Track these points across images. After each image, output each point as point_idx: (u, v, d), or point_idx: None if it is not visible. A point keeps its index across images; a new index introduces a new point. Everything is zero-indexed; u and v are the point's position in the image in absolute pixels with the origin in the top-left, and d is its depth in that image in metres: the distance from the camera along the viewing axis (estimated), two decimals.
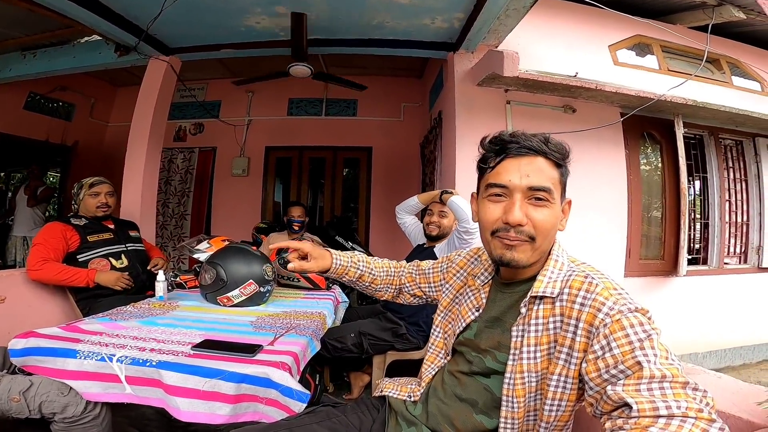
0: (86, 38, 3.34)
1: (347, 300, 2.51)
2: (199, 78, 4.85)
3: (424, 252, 2.24)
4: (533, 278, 0.82)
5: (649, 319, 0.66)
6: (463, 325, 0.92)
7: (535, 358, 0.77)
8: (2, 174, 6.63)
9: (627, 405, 0.57)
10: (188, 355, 1.19)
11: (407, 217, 2.48)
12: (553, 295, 0.76)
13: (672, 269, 3.21)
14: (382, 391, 1.06)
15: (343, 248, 3.63)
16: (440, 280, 1.09)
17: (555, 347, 0.75)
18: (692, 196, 3.48)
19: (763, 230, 3.56)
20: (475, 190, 0.91)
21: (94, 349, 1.19)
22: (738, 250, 3.62)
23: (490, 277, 0.93)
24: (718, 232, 3.47)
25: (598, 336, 0.66)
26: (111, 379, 1.15)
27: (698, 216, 3.55)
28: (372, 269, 1.16)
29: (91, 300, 2.02)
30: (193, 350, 1.22)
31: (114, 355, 1.15)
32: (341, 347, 1.99)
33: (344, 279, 1.14)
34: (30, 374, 1.24)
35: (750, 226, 3.60)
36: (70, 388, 1.18)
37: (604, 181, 3.05)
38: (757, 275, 3.57)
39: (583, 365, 0.68)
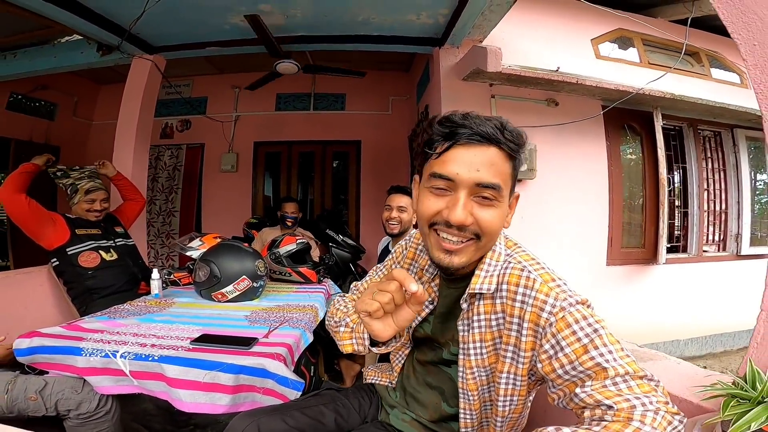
0: (67, 38, 3.28)
1: (340, 290, 2.57)
2: (184, 74, 4.79)
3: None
4: (473, 272, 0.78)
5: (590, 308, 0.67)
6: (419, 319, 0.90)
7: (481, 354, 0.77)
8: None
9: (604, 404, 0.59)
10: (187, 350, 1.24)
11: None
12: (491, 291, 0.74)
13: (652, 257, 3.31)
14: (366, 379, 1.13)
15: (334, 241, 3.67)
16: None
17: (500, 344, 0.75)
18: (672, 186, 3.57)
19: (741, 218, 3.66)
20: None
21: (97, 347, 1.24)
22: (717, 238, 3.74)
23: (436, 270, 0.87)
24: (697, 220, 3.58)
25: (546, 335, 0.67)
26: (119, 374, 1.20)
27: (678, 205, 3.65)
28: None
29: (86, 298, 2.04)
30: (191, 344, 1.27)
31: (117, 351, 1.20)
32: None
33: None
34: (40, 372, 1.28)
35: (729, 214, 3.71)
36: (83, 385, 1.23)
37: (586, 172, 3.14)
38: (736, 262, 3.69)
39: (539, 365, 0.69)
